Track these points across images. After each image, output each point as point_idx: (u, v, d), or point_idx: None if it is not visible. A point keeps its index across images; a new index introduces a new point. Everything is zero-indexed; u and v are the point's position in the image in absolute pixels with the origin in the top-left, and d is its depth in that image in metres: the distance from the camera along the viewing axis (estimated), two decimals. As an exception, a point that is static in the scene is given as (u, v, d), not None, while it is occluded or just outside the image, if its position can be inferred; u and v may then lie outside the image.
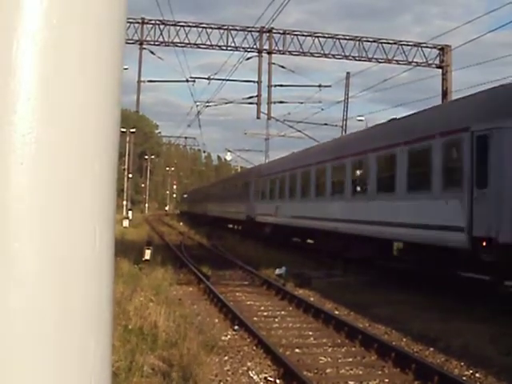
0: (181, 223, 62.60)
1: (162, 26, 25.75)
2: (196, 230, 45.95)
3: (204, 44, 26.30)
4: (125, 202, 58.02)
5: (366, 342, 9.71)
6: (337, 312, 12.68)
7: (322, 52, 26.80)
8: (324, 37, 26.84)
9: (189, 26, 26.34)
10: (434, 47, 27.11)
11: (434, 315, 11.62)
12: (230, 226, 48.03)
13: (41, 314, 0.84)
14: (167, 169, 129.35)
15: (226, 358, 8.86)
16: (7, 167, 0.83)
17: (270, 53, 26.47)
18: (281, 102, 31.03)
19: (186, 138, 71.53)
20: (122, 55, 0.98)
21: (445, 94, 26.70)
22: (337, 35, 27.05)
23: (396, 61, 27.04)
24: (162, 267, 17.45)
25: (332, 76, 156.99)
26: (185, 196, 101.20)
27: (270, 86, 27.05)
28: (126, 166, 60.45)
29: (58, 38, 0.86)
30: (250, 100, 27.92)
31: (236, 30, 26.41)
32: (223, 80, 28.21)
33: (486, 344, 9.37)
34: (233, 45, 26.29)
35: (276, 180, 29.79)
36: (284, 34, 26.64)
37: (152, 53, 26.58)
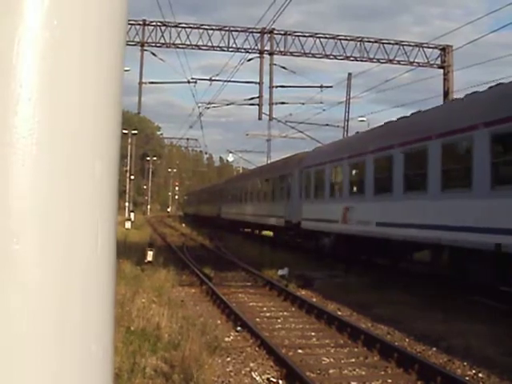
0: (183, 225, 62.56)
1: (163, 28, 25.76)
2: (198, 231, 45.83)
3: (205, 45, 26.30)
4: (127, 204, 58.08)
5: (368, 343, 9.71)
6: (339, 312, 12.67)
7: (323, 53, 26.78)
8: (325, 37, 26.83)
9: (190, 27, 26.34)
10: (436, 47, 27.08)
11: (436, 316, 11.62)
12: (249, 230, 40.09)
13: (42, 316, 0.84)
14: (169, 170, 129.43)
15: (229, 358, 8.87)
16: (8, 168, 0.83)
17: (271, 54, 26.46)
18: (282, 103, 31.01)
19: (187, 139, 71.55)
20: (123, 56, 0.98)
21: (446, 94, 26.68)
22: (338, 36, 27.04)
23: (397, 61, 27.01)
24: (164, 268, 17.46)
25: (333, 77, 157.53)
26: (187, 197, 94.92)
27: (271, 87, 27.04)
28: (127, 168, 60.53)
29: (59, 38, 0.86)
30: (251, 101, 27.91)
31: (237, 31, 26.41)
32: (225, 81, 28.24)
33: (488, 344, 9.37)
34: (234, 46, 26.30)
35: (342, 169, 20.59)
36: (285, 34, 26.63)
37: (153, 54, 26.60)
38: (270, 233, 34.25)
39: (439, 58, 27.13)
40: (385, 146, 17.14)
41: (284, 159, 32.95)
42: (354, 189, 19.78)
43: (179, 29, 25.97)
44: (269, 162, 53.53)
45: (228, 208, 45.64)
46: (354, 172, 20.05)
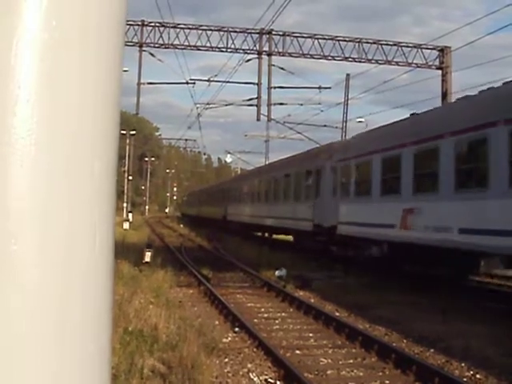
0: (181, 225, 62.48)
1: (161, 28, 25.77)
2: (196, 232, 45.76)
3: (204, 46, 26.33)
4: (125, 204, 58.07)
5: (366, 344, 9.71)
6: (337, 313, 12.68)
7: (321, 54, 26.81)
8: (324, 38, 26.86)
9: (188, 28, 26.37)
10: (434, 48, 27.13)
11: (435, 316, 11.63)
12: (259, 234, 35.79)
13: (40, 316, 0.84)
14: (167, 171, 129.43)
15: (227, 359, 8.87)
16: (7, 169, 0.83)
17: (269, 54, 26.49)
18: (281, 104, 31.10)
19: (186, 140, 71.52)
20: (122, 57, 0.98)
21: (444, 95, 26.72)
22: (336, 37, 27.07)
23: (396, 62, 27.05)
24: (162, 269, 17.46)
25: (332, 78, 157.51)
26: (187, 198, 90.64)
27: (269, 88, 27.05)
28: (126, 168, 60.52)
29: (58, 39, 0.87)
30: (249, 102, 27.94)
31: (236, 31, 26.43)
32: (223, 82, 28.25)
33: (486, 345, 9.37)
34: (232, 47, 26.32)
35: (401, 159, 15.95)
36: (284, 35, 26.66)
37: (152, 55, 26.62)
38: (285, 237, 30.83)
39: (437, 59, 27.18)
40: (479, 124, 12.68)
41: (310, 151, 28.42)
42: (422, 184, 15.12)
43: (178, 29, 26.00)
44: (267, 162, 53.01)
45: (236, 209, 40.59)
46: (421, 162, 15.20)
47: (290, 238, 29.90)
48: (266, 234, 34.53)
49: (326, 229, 21.65)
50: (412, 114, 17.70)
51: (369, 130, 20.28)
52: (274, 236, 33.64)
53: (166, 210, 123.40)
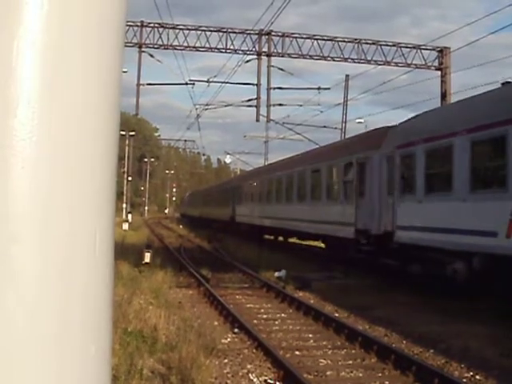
0: (180, 226, 62.43)
1: (161, 29, 25.77)
2: (195, 233, 45.71)
3: (203, 47, 26.32)
4: (124, 205, 58.08)
5: (366, 344, 9.71)
6: (337, 314, 12.67)
7: (320, 54, 26.80)
8: (323, 39, 26.86)
9: (188, 29, 26.36)
10: (433, 49, 27.13)
11: (434, 317, 11.63)
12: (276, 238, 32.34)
13: (40, 317, 0.85)
14: (167, 172, 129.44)
15: (226, 360, 8.86)
16: (8, 171, 0.84)
17: (269, 55, 26.47)
18: (280, 105, 31.10)
19: (185, 140, 71.39)
20: (122, 58, 0.99)
21: (444, 96, 26.73)
22: (336, 38, 27.06)
23: (395, 63, 27.05)
24: (161, 270, 17.46)
25: (331, 78, 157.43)
26: (188, 197, 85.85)
27: (269, 89, 27.02)
28: (125, 169, 60.53)
29: (59, 41, 0.87)
30: (249, 103, 27.91)
31: (235, 32, 26.43)
32: (222, 83, 28.22)
33: (486, 346, 9.37)
34: (232, 47, 26.31)
35: (508, 140, 11.18)
36: (283, 36, 26.66)
37: (151, 56, 26.60)
38: (312, 242, 27.44)
39: (437, 60, 27.18)
40: None
41: (348, 139, 24.06)
42: None
43: (177, 30, 25.99)
44: (266, 163, 52.81)
45: (247, 210, 35.89)
46: None
47: (315, 243, 27.24)
48: (281, 238, 31.67)
49: (374, 236, 17.45)
50: (504, 84, 13.40)
51: (446, 105, 14.95)
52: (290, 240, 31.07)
53: (166, 211, 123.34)
